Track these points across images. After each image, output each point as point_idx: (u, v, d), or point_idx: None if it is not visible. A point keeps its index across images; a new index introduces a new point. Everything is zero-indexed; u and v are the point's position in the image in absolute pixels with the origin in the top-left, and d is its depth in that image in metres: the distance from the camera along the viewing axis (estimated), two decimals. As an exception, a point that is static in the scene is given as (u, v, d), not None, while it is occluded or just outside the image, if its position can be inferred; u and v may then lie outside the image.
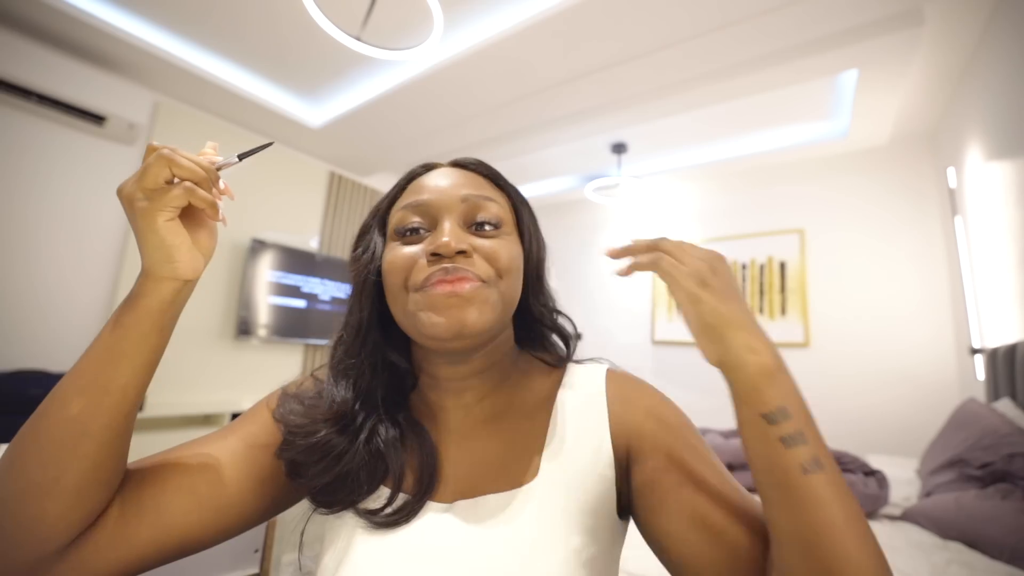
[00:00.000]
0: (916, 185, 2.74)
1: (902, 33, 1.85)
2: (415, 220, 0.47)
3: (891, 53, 1.98)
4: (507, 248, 0.47)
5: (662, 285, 3.55)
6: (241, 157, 0.42)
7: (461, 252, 0.44)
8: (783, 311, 3.03)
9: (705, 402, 3.19)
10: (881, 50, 1.96)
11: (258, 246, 3.02)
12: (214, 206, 0.40)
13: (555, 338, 0.56)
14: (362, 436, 0.46)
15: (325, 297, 3.37)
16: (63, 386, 0.37)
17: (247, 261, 2.98)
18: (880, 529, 1.34)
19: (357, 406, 0.47)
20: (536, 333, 0.55)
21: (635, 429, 0.46)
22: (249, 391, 2.98)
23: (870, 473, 1.58)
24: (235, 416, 2.61)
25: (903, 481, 1.77)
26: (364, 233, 0.52)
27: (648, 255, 0.41)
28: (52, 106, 2.26)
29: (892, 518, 1.46)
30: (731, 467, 1.73)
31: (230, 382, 2.95)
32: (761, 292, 3.13)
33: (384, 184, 3.88)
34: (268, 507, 0.47)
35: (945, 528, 1.27)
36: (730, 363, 0.36)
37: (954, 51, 2.05)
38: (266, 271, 3.07)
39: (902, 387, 2.58)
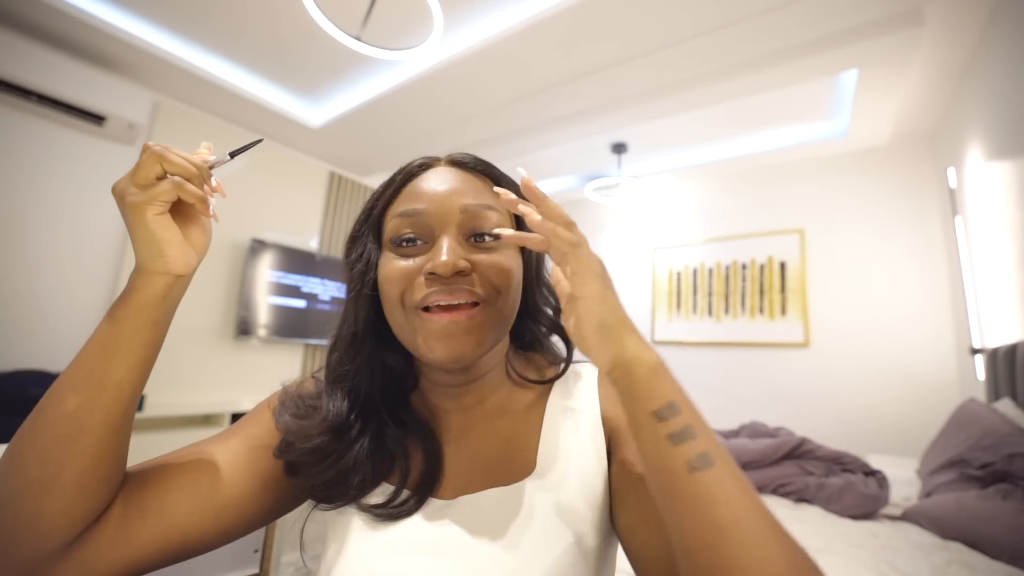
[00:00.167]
0: (916, 185, 2.74)
1: (902, 33, 1.85)
2: (411, 232, 0.46)
3: (891, 53, 1.98)
4: (506, 262, 0.46)
5: (662, 285, 3.57)
6: (233, 155, 0.43)
7: (459, 272, 0.43)
8: (783, 311, 3.03)
9: (705, 402, 3.19)
10: (881, 50, 1.96)
11: (258, 246, 3.02)
12: (204, 201, 0.40)
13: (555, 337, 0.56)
14: (363, 439, 0.46)
15: (325, 297, 3.37)
16: (60, 382, 0.38)
17: (247, 261, 2.98)
18: (880, 529, 1.34)
19: (354, 415, 0.47)
20: (536, 332, 0.55)
21: (616, 421, 0.47)
22: (249, 391, 2.98)
23: (870, 473, 1.58)
24: (235, 416, 2.62)
25: (903, 481, 1.77)
26: (356, 238, 0.51)
27: (566, 236, 0.38)
28: (52, 106, 2.26)
29: (892, 518, 1.46)
30: (731, 467, 1.72)
31: (230, 382, 2.95)
32: (761, 292, 3.13)
33: (384, 184, 3.87)
34: (271, 509, 0.47)
35: (945, 528, 1.27)
36: (626, 362, 0.35)
37: (954, 51, 2.05)
38: (266, 271, 3.06)
39: (902, 387, 2.58)
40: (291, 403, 0.49)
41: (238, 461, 0.45)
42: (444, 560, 0.41)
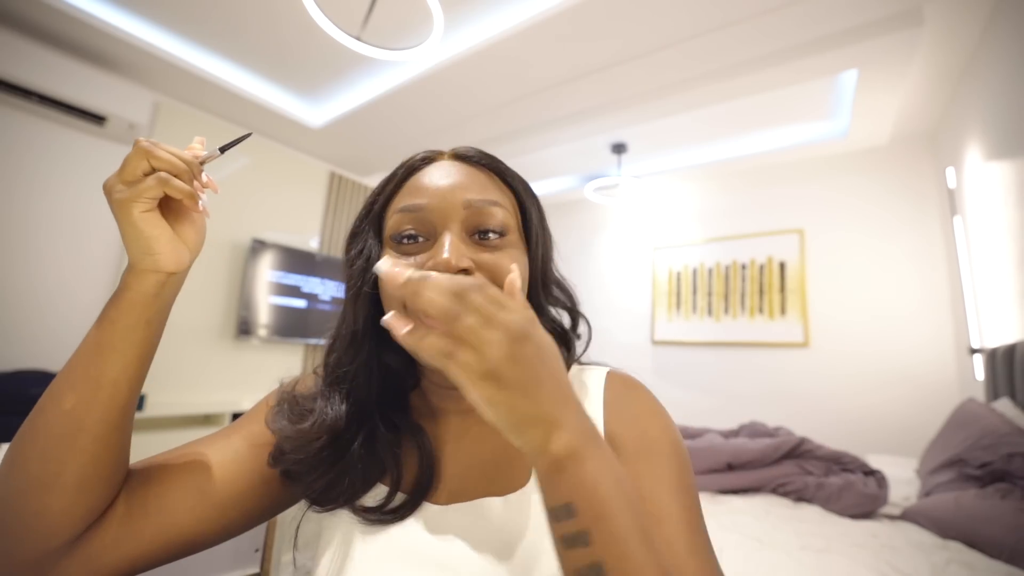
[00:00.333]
0: (916, 185, 2.74)
1: (902, 33, 1.85)
2: (412, 228, 0.44)
3: (891, 53, 1.98)
4: (511, 261, 0.44)
5: (662, 285, 3.57)
6: (223, 150, 0.43)
7: (462, 270, 0.41)
8: (783, 311, 3.03)
9: (705, 402, 3.20)
10: (881, 50, 1.96)
11: (258, 246, 3.02)
12: (192, 196, 0.39)
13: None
14: (356, 443, 0.45)
15: (325, 297, 3.37)
16: (57, 382, 0.38)
17: (247, 261, 2.98)
18: (880, 528, 1.34)
19: (351, 418, 0.46)
20: None
21: (616, 434, 0.44)
22: (249, 391, 2.98)
23: (870, 473, 1.58)
24: (236, 416, 2.62)
25: (903, 481, 1.77)
26: (357, 234, 0.49)
27: (437, 341, 0.31)
28: (52, 106, 2.26)
29: (892, 518, 1.47)
30: (730, 467, 1.73)
31: (230, 382, 2.95)
32: (761, 292, 3.13)
33: (384, 184, 3.87)
34: (272, 505, 0.47)
35: (945, 528, 1.27)
36: (530, 454, 0.32)
37: (954, 51, 2.05)
38: (266, 271, 3.07)
39: (902, 387, 2.59)
40: (287, 405, 0.48)
41: (239, 459, 0.45)
42: (436, 570, 0.40)
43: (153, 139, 0.38)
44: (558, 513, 0.30)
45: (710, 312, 3.32)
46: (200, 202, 0.41)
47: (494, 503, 0.43)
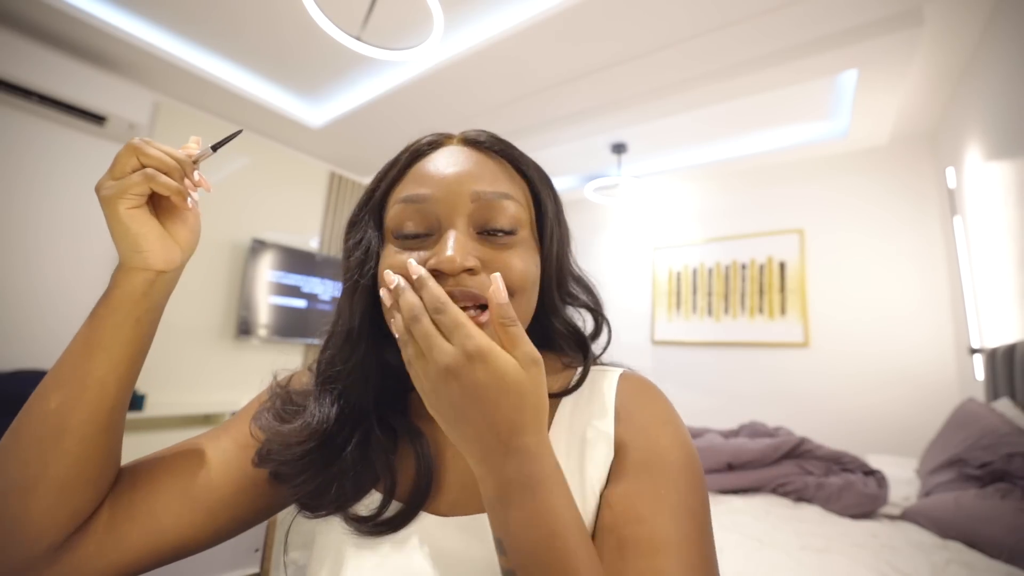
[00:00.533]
0: (916, 185, 2.74)
1: (902, 33, 1.85)
2: (414, 221, 0.41)
3: (891, 53, 1.98)
4: (522, 261, 0.41)
5: (662, 285, 3.57)
6: (215, 148, 0.42)
7: (467, 270, 0.38)
8: (783, 311, 3.03)
9: (705, 402, 3.20)
10: (881, 50, 1.96)
11: (258, 246, 3.02)
12: (180, 193, 0.38)
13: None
14: (349, 447, 0.43)
15: (325, 297, 3.37)
16: (44, 381, 0.37)
17: (247, 261, 2.98)
18: (880, 528, 1.34)
19: (342, 420, 0.43)
20: (550, 330, 0.48)
21: (624, 443, 0.41)
22: (249, 391, 2.98)
23: (869, 473, 1.58)
24: (235, 416, 2.62)
25: (903, 481, 1.77)
26: (356, 223, 0.46)
27: (406, 348, 0.34)
28: (52, 106, 2.26)
29: (892, 518, 1.47)
30: (730, 467, 1.73)
31: (230, 382, 2.95)
32: (761, 292, 3.13)
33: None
34: (263, 507, 0.45)
35: (944, 528, 1.27)
36: (479, 479, 0.33)
37: (954, 51, 2.05)
38: (266, 271, 3.07)
39: (902, 387, 2.59)
40: (278, 401, 0.46)
41: (227, 460, 0.43)
42: None
43: (153, 139, 0.38)
44: (495, 543, 0.31)
45: (710, 312, 3.32)
46: (190, 200, 0.40)
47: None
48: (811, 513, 1.48)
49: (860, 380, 2.71)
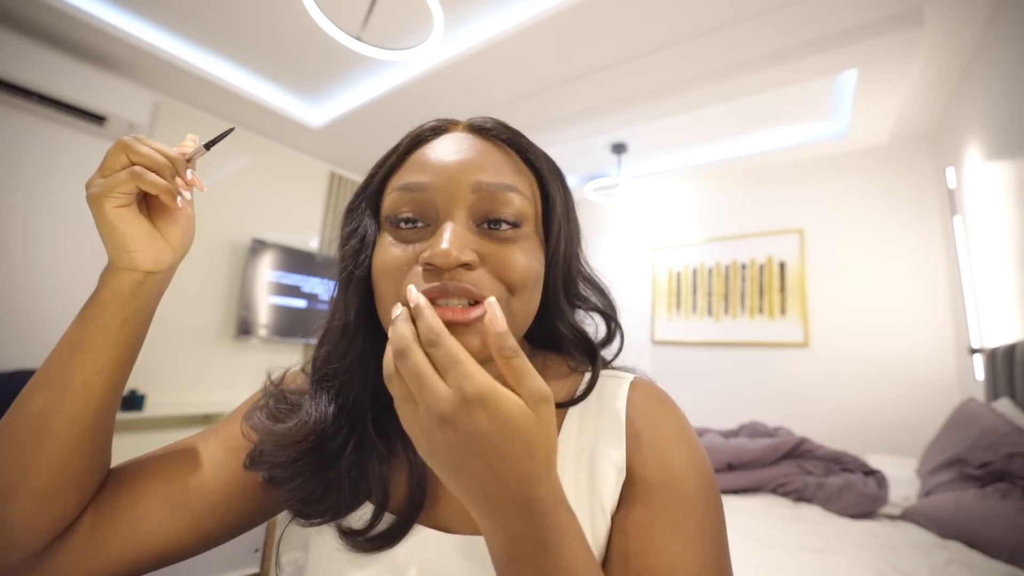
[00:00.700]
0: (916, 185, 2.74)
1: (902, 33, 1.85)
2: (411, 211, 0.38)
3: (891, 53, 1.98)
4: (524, 256, 0.38)
5: (662, 285, 3.57)
6: (208, 146, 0.42)
7: (464, 264, 0.35)
8: (783, 311, 3.03)
9: (705, 402, 3.20)
10: (881, 50, 1.96)
11: (258, 246, 3.02)
12: (168, 192, 0.37)
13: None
14: (346, 451, 0.40)
15: (325, 297, 3.37)
16: (28, 383, 0.36)
17: (247, 261, 2.98)
18: (880, 528, 1.34)
19: (339, 420, 0.41)
20: (555, 332, 0.45)
21: (636, 464, 0.38)
22: (249, 391, 2.94)
23: (870, 473, 1.58)
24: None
25: (903, 481, 1.77)
26: (353, 209, 0.43)
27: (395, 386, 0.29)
28: (52, 106, 2.26)
29: (892, 518, 1.47)
30: (730, 467, 1.73)
31: (230, 382, 2.95)
32: (761, 292, 3.13)
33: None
34: (254, 513, 0.43)
35: (944, 528, 1.27)
36: (482, 533, 0.30)
37: (954, 51, 2.05)
38: (266, 271, 3.07)
39: (902, 387, 2.59)
40: (271, 400, 0.44)
41: (215, 464, 0.41)
42: None
43: (153, 139, 0.37)
44: None
45: (710, 312, 3.32)
46: (179, 198, 0.38)
47: None
48: (811, 513, 1.48)
49: (860, 380, 2.71)
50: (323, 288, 3.37)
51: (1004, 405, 1.56)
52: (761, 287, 3.14)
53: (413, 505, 0.40)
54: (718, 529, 0.36)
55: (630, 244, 3.80)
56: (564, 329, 0.44)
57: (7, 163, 2.22)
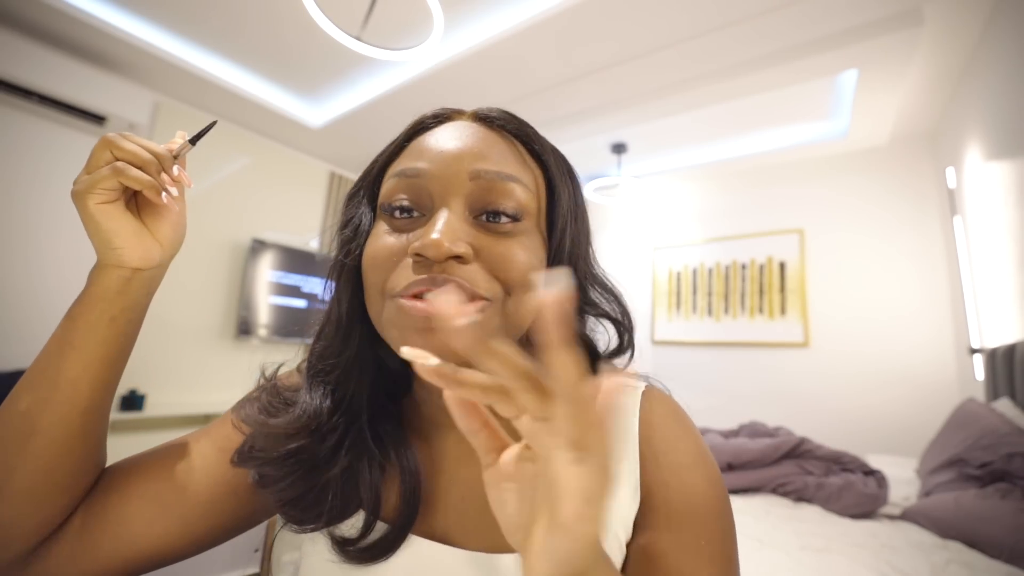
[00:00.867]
0: (916, 185, 2.74)
1: (902, 33, 1.85)
2: (406, 198, 0.36)
3: (891, 53, 1.98)
4: (524, 253, 0.35)
5: (662, 285, 3.57)
6: (193, 141, 0.42)
7: (456, 257, 0.33)
8: (783, 311, 3.03)
9: (705, 402, 3.20)
10: (881, 50, 1.96)
11: (258, 246, 3.02)
12: (152, 187, 0.36)
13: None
14: (341, 451, 0.38)
15: (325, 297, 3.37)
16: (18, 382, 0.35)
17: (247, 261, 2.98)
18: (879, 528, 1.34)
19: (334, 418, 0.39)
20: None
21: (653, 484, 0.36)
22: (248, 391, 2.98)
23: (869, 473, 1.58)
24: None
25: (903, 481, 1.77)
26: (353, 196, 0.42)
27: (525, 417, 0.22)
28: (52, 106, 2.26)
29: (892, 518, 1.47)
30: (730, 467, 1.73)
31: (230, 382, 2.95)
32: (761, 292, 3.13)
33: (384, 184, 3.88)
34: (245, 516, 0.42)
35: (944, 528, 1.27)
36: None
37: (954, 51, 2.05)
38: (266, 271, 3.06)
39: (902, 387, 2.59)
40: (265, 394, 0.42)
41: (206, 465, 0.40)
42: None
43: (152, 139, 0.37)
44: None
45: (710, 312, 3.32)
46: (164, 195, 0.37)
47: (505, 562, 0.35)
48: (811, 513, 1.48)
49: (860, 380, 2.71)
50: (325, 285, 3.37)
51: (1004, 405, 1.56)
52: (761, 287, 3.14)
53: (407, 514, 0.38)
54: (734, 546, 0.35)
55: (630, 244, 3.80)
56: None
57: (7, 163, 2.22)
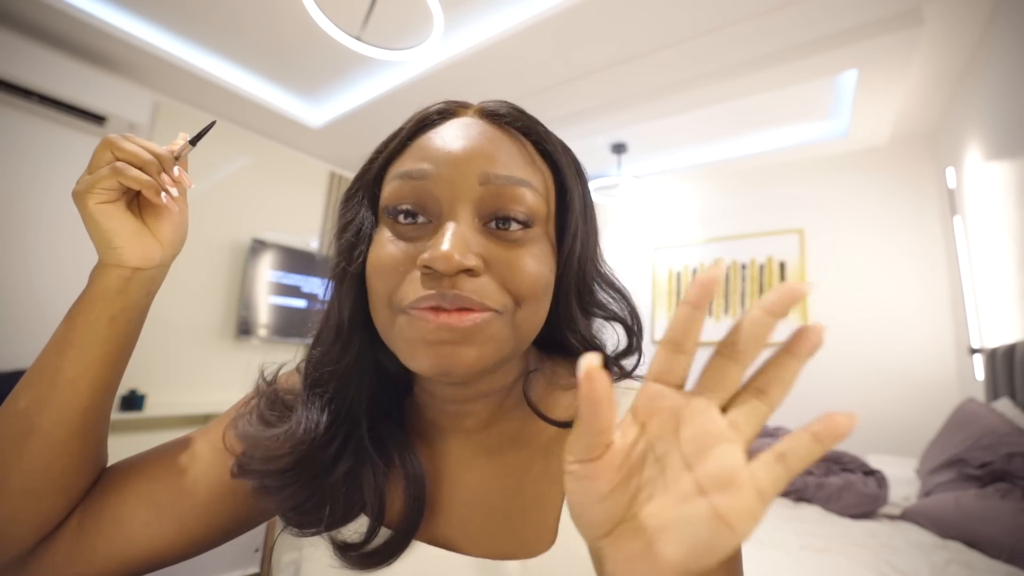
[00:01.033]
0: (916, 185, 2.74)
1: (902, 33, 1.85)
2: (411, 203, 0.34)
3: (891, 53, 1.98)
4: (535, 262, 0.34)
5: (662, 285, 3.57)
6: (193, 142, 0.42)
7: (467, 270, 0.32)
8: (783, 311, 3.03)
9: (705, 402, 3.20)
10: (881, 50, 1.96)
11: (258, 246, 3.02)
12: (152, 188, 0.36)
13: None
14: (341, 459, 0.38)
15: (325, 297, 3.38)
16: (19, 382, 0.35)
17: (247, 261, 2.98)
18: (879, 528, 1.34)
19: (332, 429, 0.38)
20: (563, 338, 0.41)
21: None
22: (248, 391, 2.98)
23: (870, 473, 1.58)
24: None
25: (903, 481, 1.77)
26: (350, 198, 0.40)
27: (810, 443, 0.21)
28: (52, 106, 2.26)
29: (892, 518, 1.47)
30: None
31: (230, 382, 2.95)
32: (761, 292, 3.13)
33: (384, 184, 3.88)
34: (244, 517, 0.41)
35: (944, 528, 1.27)
36: None
37: (954, 51, 2.05)
38: (266, 271, 3.06)
39: (902, 387, 2.59)
40: (263, 401, 0.41)
41: (203, 466, 0.39)
42: None
43: (153, 139, 0.37)
44: None
45: (710, 312, 3.32)
46: (164, 195, 0.37)
47: (510, 569, 0.34)
48: (811, 513, 1.48)
49: (860, 380, 2.71)
50: (323, 288, 3.37)
51: (1004, 405, 1.56)
52: (761, 287, 3.14)
53: (411, 519, 0.37)
54: (742, 569, 0.34)
55: (630, 244, 3.80)
56: (574, 340, 0.40)
57: (7, 163, 2.22)
